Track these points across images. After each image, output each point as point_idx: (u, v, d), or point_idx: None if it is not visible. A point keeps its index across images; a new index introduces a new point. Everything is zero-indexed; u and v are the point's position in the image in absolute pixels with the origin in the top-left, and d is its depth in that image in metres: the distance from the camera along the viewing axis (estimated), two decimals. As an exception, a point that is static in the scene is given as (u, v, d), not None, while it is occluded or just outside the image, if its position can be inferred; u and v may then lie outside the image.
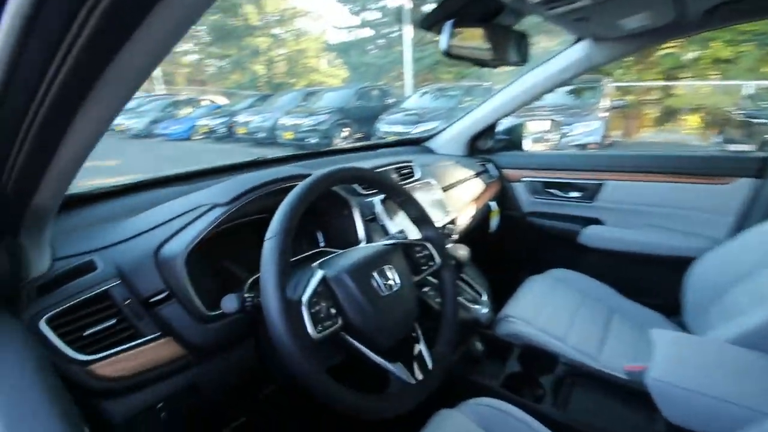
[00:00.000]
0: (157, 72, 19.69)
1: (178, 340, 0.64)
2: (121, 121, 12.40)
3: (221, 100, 14.46)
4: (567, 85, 1.62)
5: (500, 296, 1.35)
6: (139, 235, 0.71)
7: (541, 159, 1.71)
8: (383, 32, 17.78)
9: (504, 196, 1.80)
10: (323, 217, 1.00)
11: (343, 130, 8.77)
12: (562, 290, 1.39)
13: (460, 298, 1.11)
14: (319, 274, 0.62)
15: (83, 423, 0.48)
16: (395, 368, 0.63)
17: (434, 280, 1.11)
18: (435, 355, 0.71)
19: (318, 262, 0.68)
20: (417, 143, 1.91)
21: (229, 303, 0.57)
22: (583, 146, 5.51)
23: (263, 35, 20.35)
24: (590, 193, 1.58)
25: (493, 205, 1.66)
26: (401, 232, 0.90)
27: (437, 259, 0.81)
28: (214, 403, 0.74)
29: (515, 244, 1.87)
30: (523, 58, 1.00)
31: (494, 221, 1.69)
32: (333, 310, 0.60)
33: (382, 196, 1.03)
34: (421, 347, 0.69)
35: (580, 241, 1.59)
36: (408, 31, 12.66)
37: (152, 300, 0.64)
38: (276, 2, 20.19)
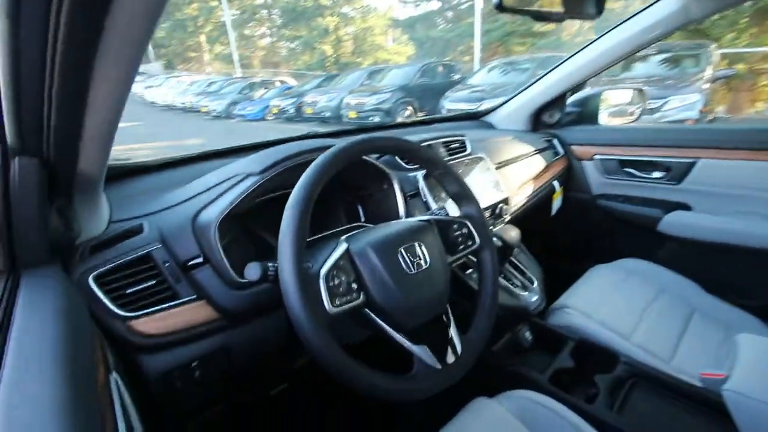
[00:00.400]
0: (236, 56, 20.99)
1: (211, 303, 0.66)
2: (205, 103, 13.55)
3: (292, 82, 15.02)
4: (654, 44, 1.35)
5: (559, 285, 1.24)
6: (182, 203, 0.74)
7: (618, 134, 1.50)
8: (452, 4, 16.98)
9: (570, 175, 1.63)
10: (363, 191, 0.98)
11: (406, 108, 8.64)
12: (634, 282, 1.23)
13: (508, 284, 1.03)
14: (342, 247, 0.59)
15: (114, 371, 0.52)
16: (419, 350, 0.59)
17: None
18: (466, 341, 0.65)
19: (346, 235, 0.65)
20: (475, 117, 1.80)
21: (252, 271, 0.57)
22: (678, 123, 4.81)
23: (332, 14, 20.58)
24: (677, 173, 1.36)
25: (556, 185, 1.51)
26: (442, 208, 0.84)
27: (477, 238, 0.74)
28: (248, 370, 0.77)
29: (580, 229, 1.70)
30: (598, 9, 0.85)
31: (556, 203, 1.54)
32: (354, 285, 0.58)
33: (424, 171, 0.97)
34: (451, 331, 0.64)
35: (660, 228, 1.39)
36: (478, 1, 11.92)
37: (189, 264, 0.66)
38: (345, -20, 20.22)
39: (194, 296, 0.66)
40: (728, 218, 1.26)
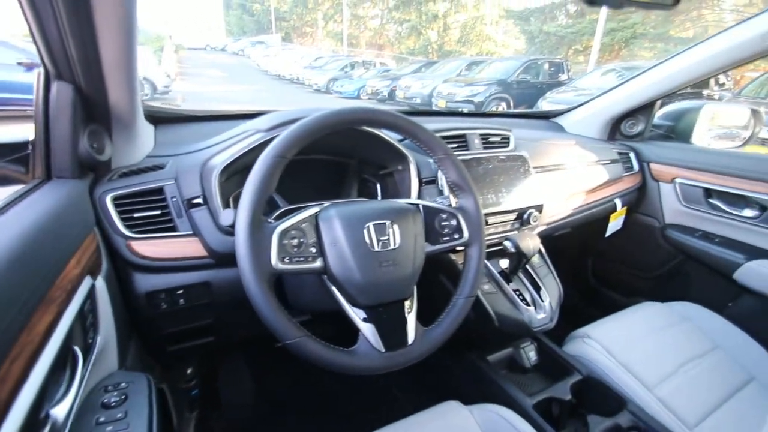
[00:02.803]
0: (345, 35, 21.80)
1: (203, 241, 0.72)
2: (309, 76, 14.40)
3: (392, 64, 15.21)
4: None
5: (598, 313, 1.12)
6: (202, 149, 0.81)
7: (710, 158, 1.27)
8: (577, -3, 15.48)
9: (641, 196, 1.42)
10: (382, 169, 0.97)
11: (500, 104, 8.24)
12: (684, 329, 1.06)
13: (515, 295, 0.95)
14: (310, 211, 0.60)
15: (102, 278, 0.60)
16: (366, 328, 0.58)
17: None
18: (421, 334, 0.63)
19: (327, 202, 0.66)
20: (547, 117, 1.66)
21: (226, 216, 0.61)
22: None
23: (444, 0, 20.21)
24: (777, 215, 1.11)
25: (618, 203, 1.33)
26: (447, 197, 0.80)
27: (465, 232, 0.69)
28: (232, 312, 0.82)
29: (639, 258, 1.49)
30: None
31: (614, 224, 1.36)
32: (313, 249, 0.59)
33: (446, 158, 0.93)
34: (409, 320, 0.62)
35: (736, 277, 1.16)
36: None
37: (191, 202, 0.73)
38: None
39: (190, 232, 0.73)
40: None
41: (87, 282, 0.55)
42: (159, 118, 0.98)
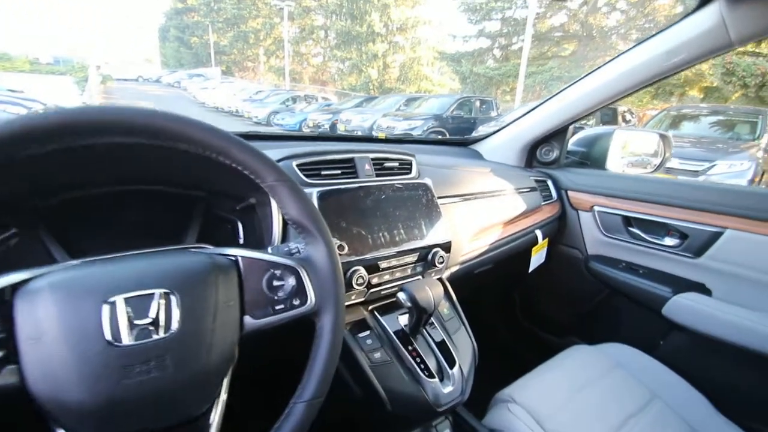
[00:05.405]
0: (288, 70, 21.91)
1: None
2: (249, 109, 14.02)
3: (333, 99, 15.38)
4: (678, 72, 1.05)
5: (531, 359, 0.95)
6: None
7: (625, 183, 1.20)
8: (502, 44, 17.04)
9: (562, 226, 1.32)
10: (241, 202, 0.74)
11: (437, 138, 8.51)
12: (617, 378, 0.92)
13: (415, 363, 0.73)
14: (4, 279, 0.35)
15: None
16: None
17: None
18: None
19: (79, 262, 0.41)
20: (464, 144, 1.54)
21: None
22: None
23: (383, 41, 21.22)
24: (696, 243, 1.03)
25: (539, 234, 1.21)
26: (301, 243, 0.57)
27: (310, 296, 0.47)
28: None
29: (566, 293, 1.37)
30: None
31: (537, 257, 1.23)
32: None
33: (318, 190, 0.72)
34: None
35: (665, 312, 1.05)
36: (527, 43, 11.84)
37: None
38: (402, 11, 20.92)
39: None
40: (760, 315, 0.91)
41: None
42: None
